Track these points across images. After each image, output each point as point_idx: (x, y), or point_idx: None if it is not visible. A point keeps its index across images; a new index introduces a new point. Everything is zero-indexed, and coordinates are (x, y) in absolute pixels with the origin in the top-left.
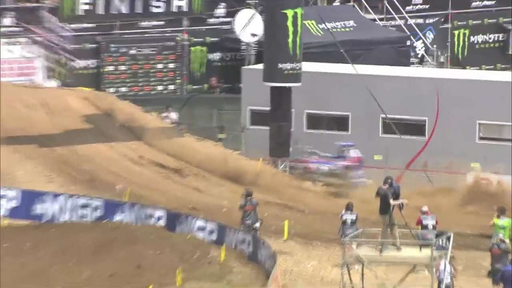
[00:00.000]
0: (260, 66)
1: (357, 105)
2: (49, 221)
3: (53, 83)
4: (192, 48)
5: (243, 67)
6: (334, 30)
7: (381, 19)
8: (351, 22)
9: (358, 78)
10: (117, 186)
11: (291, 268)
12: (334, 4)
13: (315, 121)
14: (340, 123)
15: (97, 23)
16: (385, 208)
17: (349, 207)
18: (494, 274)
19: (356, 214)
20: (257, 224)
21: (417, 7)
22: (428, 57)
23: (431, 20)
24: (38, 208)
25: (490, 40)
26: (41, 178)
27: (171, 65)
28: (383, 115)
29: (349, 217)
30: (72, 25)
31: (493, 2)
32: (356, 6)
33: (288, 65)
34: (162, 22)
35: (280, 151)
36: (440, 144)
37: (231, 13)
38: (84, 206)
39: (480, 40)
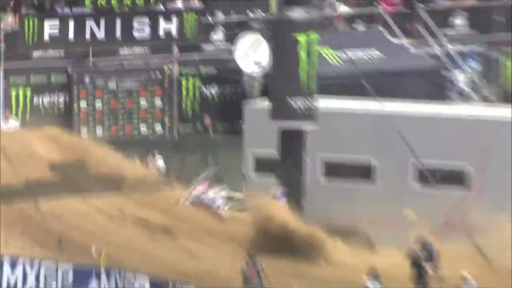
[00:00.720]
0: (266, 101)
1: (384, 149)
2: None
3: (12, 123)
4: (183, 81)
5: (245, 103)
6: (356, 59)
7: (412, 45)
8: (377, 49)
9: (384, 117)
10: (92, 248)
11: None
12: (355, 27)
13: (333, 169)
14: (364, 171)
15: (67, 50)
16: (418, 276)
17: (375, 275)
18: None
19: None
20: None
21: (457, 30)
22: (470, 91)
23: (475, 47)
24: None
25: None
26: None
27: (157, 102)
28: (416, 161)
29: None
30: (36, 54)
31: None
32: (382, 29)
33: (300, 101)
34: (146, 50)
35: (290, 205)
36: (486, 198)
37: (230, 38)
38: (50, 274)
39: None
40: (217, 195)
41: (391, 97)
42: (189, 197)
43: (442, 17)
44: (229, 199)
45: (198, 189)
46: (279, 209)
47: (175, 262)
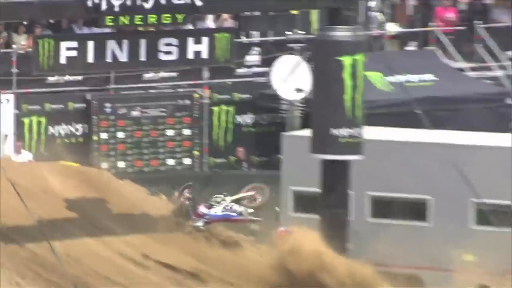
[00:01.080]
0: (307, 132)
1: (440, 185)
2: None
3: (25, 155)
4: (215, 109)
5: (283, 133)
6: (408, 84)
7: (472, 69)
8: (431, 73)
9: (440, 149)
10: None
11: None
12: (407, 49)
13: (382, 208)
14: (417, 210)
15: (86, 75)
16: None
17: None
18: None
19: None
20: None
21: None
22: None
23: None
24: None
25: None
26: (7, 286)
27: (186, 132)
28: (476, 200)
29: None
30: (52, 78)
31: None
32: (437, 51)
33: (345, 131)
34: (174, 74)
35: (334, 248)
36: None
37: (267, 61)
38: None
39: None
40: (224, 204)
41: (447, 127)
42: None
43: (505, 38)
44: (239, 201)
45: (203, 211)
46: (310, 239)
47: None
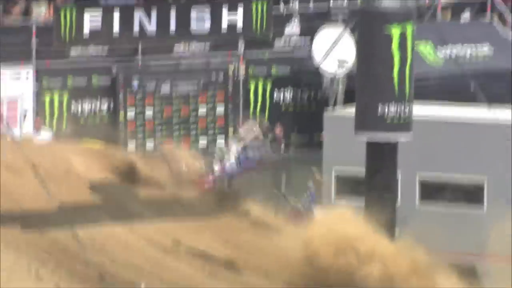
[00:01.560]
0: (351, 110)
1: (497, 167)
2: None
3: (44, 134)
4: (251, 84)
5: (325, 111)
6: (461, 56)
7: None
8: (487, 45)
9: (497, 128)
10: (141, 286)
11: None
12: (461, 18)
13: (433, 191)
14: (471, 194)
15: (111, 47)
16: None
17: None
18: None
19: None
20: None
21: None
22: None
23: None
24: None
25: None
26: (26, 275)
27: (220, 109)
28: None
29: None
30: (74, 52)
31: None
32: (495, 21)
33: (392, 109)
34: (207, 46)
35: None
36: None
37: (308, 32)
38: None
39: None
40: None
41: (505, 103)
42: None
43: None
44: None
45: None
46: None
47: None
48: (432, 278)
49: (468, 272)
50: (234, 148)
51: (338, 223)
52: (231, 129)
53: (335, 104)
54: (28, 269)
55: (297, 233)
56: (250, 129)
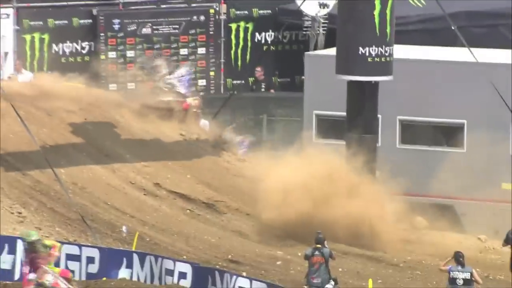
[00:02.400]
0: (332, 51)
1: (476, 108)
2: (19, 280)
3: (26, 76)
4: (233, 25)
5: (306, 52)
6: None
7: None
8: None
9: (477, 69)
10: (122, 228)
11: None
12: None
13: (413, 133)
14: (451, 135)
15: None
16: None
17: (459, 260)
18: None
19: (471, 271)
20: (329, 286)
21: None
22: None
23: None
24: (1, 261)
25: None
26: (8, 216)
27: (201, 50)
28: None
29: (460, 275)
30: None
31: None
32: None
33: (374, 50)
34: None
35: (361, 175)
36: None
37: None
38: (71, 258)
39: None
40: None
41: (485, 45)
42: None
43: None
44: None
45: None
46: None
47: (223, 245)
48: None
49: (447, 213)
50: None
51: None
52: (211, 72)
53: (315, 46)
54: (10, 211)
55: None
56: None
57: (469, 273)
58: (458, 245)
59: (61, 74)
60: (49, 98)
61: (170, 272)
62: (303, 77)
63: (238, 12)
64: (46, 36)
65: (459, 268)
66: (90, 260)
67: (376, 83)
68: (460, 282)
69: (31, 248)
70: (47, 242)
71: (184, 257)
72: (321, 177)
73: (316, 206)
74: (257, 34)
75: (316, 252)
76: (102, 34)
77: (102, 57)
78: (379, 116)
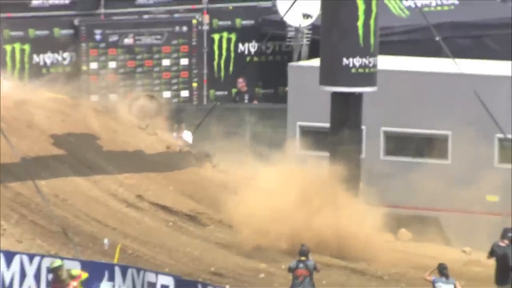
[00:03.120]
0: (315, 62)
1: (461, 119)
2: None
3: (5, 85)
4: (215, 36)
5: (290, 63)
6: (427, 8)
7: None
8: None
9: (462, 80)
10: (104, 241)
11: None
12: None
13: (397, 144)
14: (435, 146)
15: None
16: (504, 274)
17: (443, 272)
18: None
19: (454, 283)
20: None
21: None
22: None
23: None
24: None
25: None
26: None
27: (184, 61)
28: (500, 135)
29: (444, 286)
30: (36, 1)
31: None
32: None
33: (357, 61)
34: None
35: (345, 188)
36: None
37: None
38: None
39: None
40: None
41: (470, 56)
42: None
43: None
44: None
45: None
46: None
47: (205, 257)
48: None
49: (432, 225)
50: None
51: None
52: (194, 83)
53: (299, 57)
54: None
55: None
56: None
57: (453, 285)
58: (443, 257)
59: (42, 85)
60: (30, 111)
61: (152, 285)
62: (286, 88)
63: (220, 22)
64: (26, 47)
65: (443, 279)
66: None
67: (360, 94)
68: None
69: (55, 277)
70: (74, 271)
71: (167, 269)
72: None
73: (294, 224)
74: (240, 44)
75: (301, 265)
76: (83, 44)
77: (84, 67)
78: (363, 127)
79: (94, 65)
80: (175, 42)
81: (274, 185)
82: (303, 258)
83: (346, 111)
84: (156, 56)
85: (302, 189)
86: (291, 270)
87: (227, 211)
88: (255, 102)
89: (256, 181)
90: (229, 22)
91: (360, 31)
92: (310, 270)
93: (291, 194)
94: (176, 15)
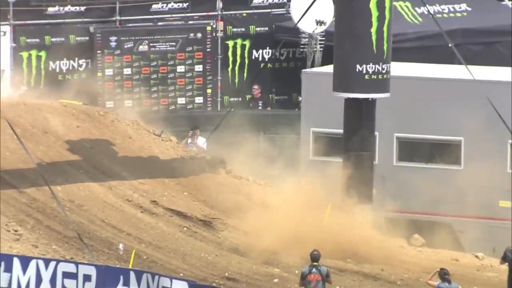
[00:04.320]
0: (329, 68)
1: (474, 125)
2: None
3: (22, 93)
4: (230, 43)
5: (303, 70)
6: (440, 15)
7: None
8: (465, 4)
9: (474, 86)
10: (119, 246)
11: None
12: None
13: (410, 150)
14: (448, 152)
15: (89, 5)
16: None
17: (445, 277)
18: None
19: (458, 287)
20: None
21: None
22: None
23: None
24: None
25: None
26: (4, 234)
27: (198, 67)
28: None
29: None
30: (52, 9)
31: None
32: None
33: (371, 67)
34: (185, 5)
35: (359, 194)
36: None
37: None
38: (68, 276)
39: None
40: None
41: (482, 62)
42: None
43: None
44: None
45: None
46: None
47: (220, 262)
48: None
49: (444, 232)
50: None
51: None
52: (208, 90)
53: (313, 63)
54: (6, 229)
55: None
56: None
57: None
58: (455, 262)
59: (58, 91)
60: (46, 117)
61: None
62: (300, 98)
63: (235, 29)
64: (43, 54)
65: (447, 284)
66: (87, 278)
67: (373, 100)
68: None
69: None
70: None
71: (181, 274)
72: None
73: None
74: (254, 51)
75: (314, 270)
76: (99, 51)
77: (99, 74)
78: (376, 133)
79: (109, 72)
80: (189, 48)
81: (289, 192)
82: (315, 263)
83: (359, 117)
84: (171, 62)
85: (315, 195)
86: (303, 275)
87: (243, 216)
88: (269, 108)
89: (272, 188)
90: (243, 29)
91: (374, 38)
92: (323, 275)
93: (304, 201)
94: (190, 22)
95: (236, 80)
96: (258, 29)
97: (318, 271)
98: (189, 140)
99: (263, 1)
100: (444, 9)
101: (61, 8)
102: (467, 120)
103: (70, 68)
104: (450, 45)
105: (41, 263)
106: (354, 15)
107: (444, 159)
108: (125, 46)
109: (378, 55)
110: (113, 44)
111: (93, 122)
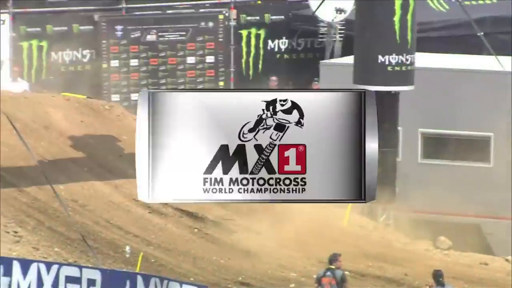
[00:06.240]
0: (349, 59)
1: (504, 120)
2: None
3: (21, 85)
4: (243, 32)
5: (322, 61)
6: (468, 2)
7: None
8: None
9: (504, 78)
10: (126, 248)
11: None
12: None
13: (435, 147)
14: (476, 149)
15: None
16: None
17: (439, 280)
18: None
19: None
20: None
21: None
22: None
23: None
24: None
25: None
26: (3, 236)
27: (209, 59)
28: None
29: None
30: None
31: None
32: None
33: (394, 58)
34: None
35: (380, 193)
36: None
37: None
38: (72, 280)
39: None
40: None
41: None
42: None
43: None
44: None
45: None
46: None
47: (233, 266)
48: None
49: (472, 230)
50: None
51: None
52: (220, 82)
53: (332, 54)
54: (5, 230)
55: None
56: None
57: None
58: (485, 266)
59: (60, 85)
60: (48, 111)
61: None
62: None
63: (249, 18)
64: (44, 44)
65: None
66: (91, 282)
67: (396, 94)
68: None
69: None
70: None
71: (192, 279)
72: None
73: None
74: (269, 41)
75: (328, 273)
76: (104, 41)
77: (104, 65)
78: (400, 128)
79: (115, 63)
80: (200, 38)
81: None
82: (331, 267)
83: (381, 111)
84: (181, 53)
85: None
86: (318, 279)
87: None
88: None
89: None
90: (257, 18)
91: (397, 27)
92: (337, 279)
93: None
94: (201, 10)
95: (251, 72)
96: (273, 17)
97: (332, 274)
98: None
99: None
100: None
101: None
102: (497, 114)
103: (74, 59)
104: (479, 34)
105: (42, 267)
106: (376, 2)
107: (472, 156)
108: (132, 36)
109: (401, 45)
110: (119, 33)
111: (98, 117)
